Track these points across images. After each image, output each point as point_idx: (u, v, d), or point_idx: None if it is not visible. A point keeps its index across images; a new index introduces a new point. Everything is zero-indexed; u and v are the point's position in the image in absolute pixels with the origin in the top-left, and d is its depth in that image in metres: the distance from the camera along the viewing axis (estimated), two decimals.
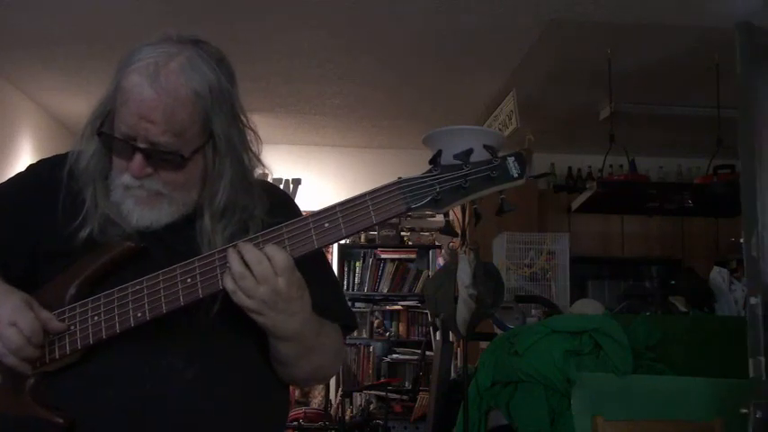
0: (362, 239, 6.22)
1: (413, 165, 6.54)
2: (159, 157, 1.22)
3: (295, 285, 1.18)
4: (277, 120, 5.68)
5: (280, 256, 1.15)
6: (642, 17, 3.82)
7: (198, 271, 1.19)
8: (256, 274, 1.14)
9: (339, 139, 6.28)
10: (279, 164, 6.16)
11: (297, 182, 6.16)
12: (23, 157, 5.07)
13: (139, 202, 1.25)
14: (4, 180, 1.41)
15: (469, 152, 1.17)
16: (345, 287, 6.14)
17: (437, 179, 1.17)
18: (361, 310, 6.12)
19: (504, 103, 4.58)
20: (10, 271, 1.29)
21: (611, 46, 4.10)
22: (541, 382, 2.62)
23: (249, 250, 1.16)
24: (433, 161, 1.18)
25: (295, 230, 1.18)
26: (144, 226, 1.25)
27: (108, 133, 1.23)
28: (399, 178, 1.18)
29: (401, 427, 5.12)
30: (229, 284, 1.16)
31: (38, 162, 1.41)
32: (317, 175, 6.32)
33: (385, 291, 6.18)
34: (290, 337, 1.23)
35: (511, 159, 1.18)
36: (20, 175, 1.39)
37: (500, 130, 4.47)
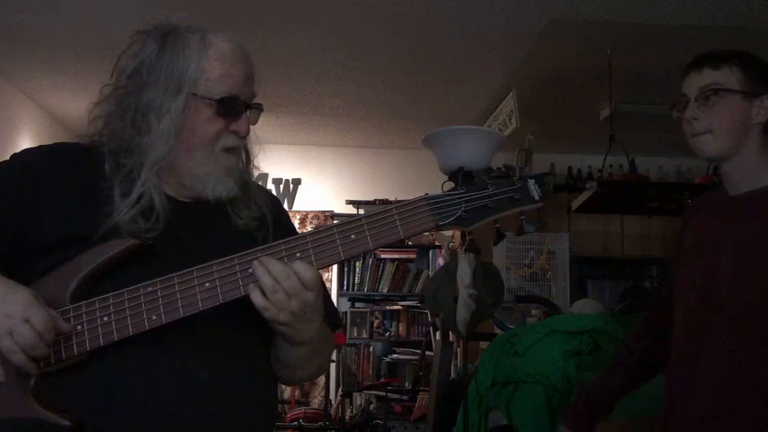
0: None
1: (413, 165, 6.52)
2: (256, 112, 1.29)
3: (321, 296, 1.19)
4: (277, 120, 5.68)
5: (308, 273, 1.15)
6: (642, 17, 3.81)
7: (216, 276, 1.17)
8: (287, 288, 1.13)
9: (339, 139, 6.28)
10: (279, 164, 6.16)
11: (297, 182, 6.17)
12: None
13: (229, 170, 1.27)
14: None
15: (489, 170, 1.18)
16: (345, 287, 6.14)
17: (463, 198, 1.17)
18: (361, 310, 6.12)
19: (504, 103, 4.58)
20: None
21: (611, 46, 4.10)
22: (541, 382, 2.62)
23: (275, 264, 1.14)
24: (456, 179, 1.20)
25: (319, 240, 1.17)
26: (229, 196, 1.28)
27: (230, 96, 1.24)
28: (426, 194, 1.19)
29: (401, 427, 5.11)
30: (260, 301, 1.15)
31: (50, 146, 1.34)
32: (316, 175, 6.32)
33: (385, 291, 6.17)
34: (305, 342, 1.23)
35: (531, 182, 1.20)
36: (21, 159, 1.31)
37: (500, 130, 4.46)
